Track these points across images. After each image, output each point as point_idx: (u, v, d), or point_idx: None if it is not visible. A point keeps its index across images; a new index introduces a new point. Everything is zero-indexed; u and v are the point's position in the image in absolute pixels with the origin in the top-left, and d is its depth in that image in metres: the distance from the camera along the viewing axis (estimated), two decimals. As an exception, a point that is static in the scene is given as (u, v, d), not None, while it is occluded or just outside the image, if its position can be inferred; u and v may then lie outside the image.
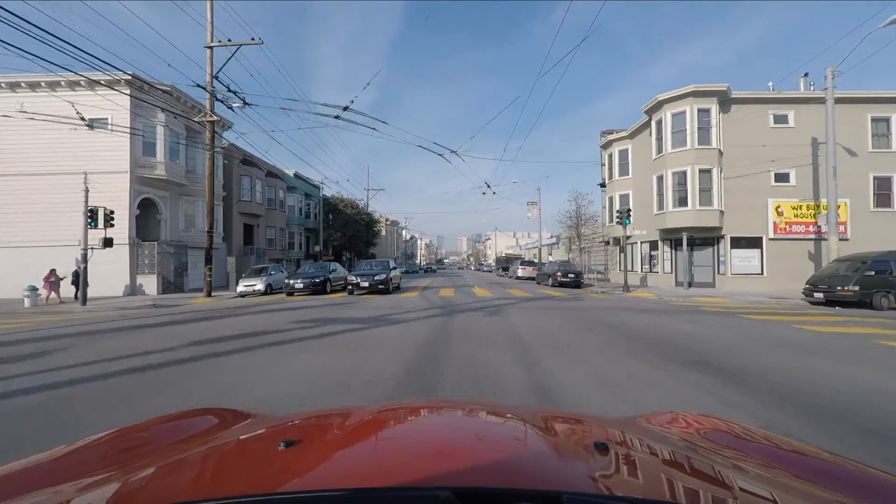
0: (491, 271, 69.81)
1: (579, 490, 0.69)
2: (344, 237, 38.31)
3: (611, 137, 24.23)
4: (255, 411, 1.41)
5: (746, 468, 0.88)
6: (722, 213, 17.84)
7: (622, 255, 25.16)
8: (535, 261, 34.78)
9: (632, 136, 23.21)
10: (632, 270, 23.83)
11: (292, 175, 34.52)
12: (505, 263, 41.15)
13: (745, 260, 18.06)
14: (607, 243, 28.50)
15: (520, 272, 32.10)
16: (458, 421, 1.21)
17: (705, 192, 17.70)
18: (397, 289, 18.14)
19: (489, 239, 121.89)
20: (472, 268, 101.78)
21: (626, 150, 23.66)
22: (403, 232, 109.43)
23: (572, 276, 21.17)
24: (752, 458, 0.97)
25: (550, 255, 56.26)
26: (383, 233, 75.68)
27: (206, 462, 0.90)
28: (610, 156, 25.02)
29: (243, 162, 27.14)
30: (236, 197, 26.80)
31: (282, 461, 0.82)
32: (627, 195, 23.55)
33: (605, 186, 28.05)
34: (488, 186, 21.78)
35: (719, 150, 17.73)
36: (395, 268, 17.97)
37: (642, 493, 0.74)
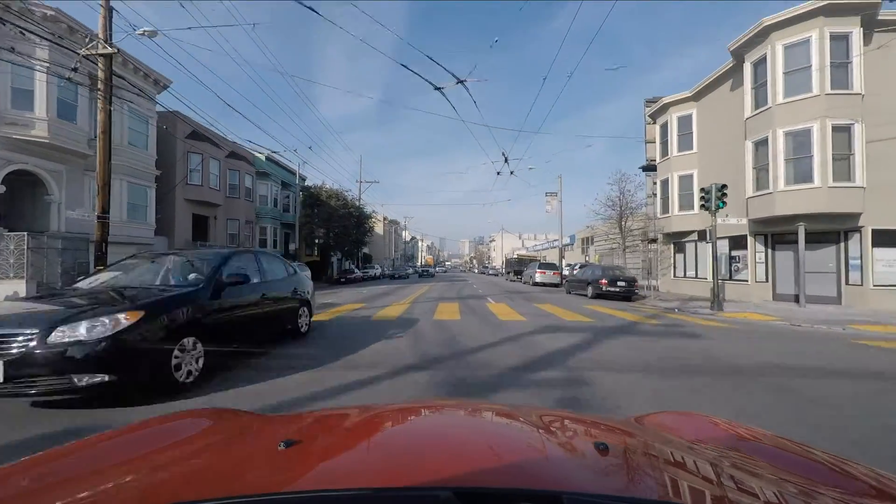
0: (497, 275, 63.65)
1: (579, 490, 0.68)
2: (328, 234, 32.48)
3: (666, 101, 18.33)
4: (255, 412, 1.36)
5: (747, 468, 0.88)
6: (863, 191, 11.91)
7: (679, 255, 19.23)
8: (554, 263, 28.84)
9: (698, 96, 17.32)
10: (693, 277, 17.90)
11: (264, 159, 28.77)
12: (517, 266, 35.11)
13: (891, 265, 12.12)
14: (651, 241, 22.53)
15: (538, 277, 26.16)
16: (458, 421, 1.21)
17: (841, 161, 11.77)
18: (298, 335, 6.67)
19: (493, 240, 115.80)
20: (476, 270, 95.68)
21: (689, 117, 17.76)
22: (404, 233, 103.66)
23: (623, 284, 15.25)
24: (752, 458, 0.95)
25: (563, 257, 50.20)
26: (378, 230, 69.90)
27: (206, 462, 0.90)
28: (663, 126, 19.12)
29: (192, 136, 21.39)
30: (181, 178, 21.03)
31: (282, 461, 0.81)
32: (690, 176, 17.64)
33: (652, 170, 22.16)
34: (505, 160, 15.92)
35: (862, 95, 11.80)
36: (237, 276, 5.01)
37: (642, 493, 0.72)
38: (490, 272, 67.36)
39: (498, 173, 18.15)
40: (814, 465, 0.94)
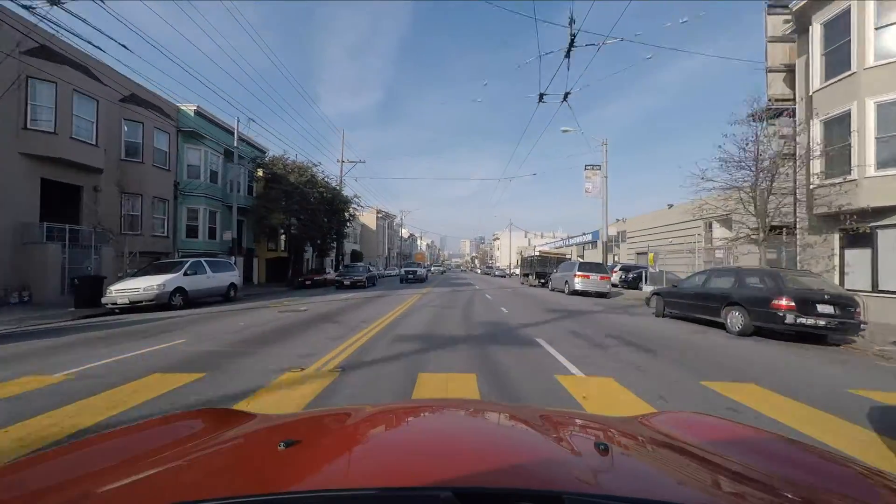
0: (504, 276, 55.12)
1: (579, 490, 0.67)
2: (289, 221, 24.31)
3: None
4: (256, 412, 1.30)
5: (747, 468, 0.86)
6: None
7: (854, 251, 10.90)
8: (600, 263, 20.50)
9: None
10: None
11: (191, 113, 20.49)
12: (540, 267, 26.63)
13: None
14: (777, 230, 14.20)
15: (578, 283, 17.98)
16: (458, 421, 1.19)
17: None
18: None
19: (497, 239, 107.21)
20: (478, 271, 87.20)
21: (906, -9, 9.45)
22: (402, 231, 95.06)
23: (832, 310, 6.98)
24: (753, 457, 0.93)
25: (581, 257, 41.69)
26: (370, 224, 61.73)
27: (206, 462, 0.89)
28: (830, 24, 10.79)
29: (36, 53, 13.17)
30: (13, 118, 12.82)
31: (282, 461, 0.80)
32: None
33: (776, 116, 13.80)
34: (570, 41, 7.66)
35: None
36: None
37: (642, 493, 0.71)
38: (496, 273, 59.07)
39: (541, 98, 9.87)
40: (815, 464, 0.94)
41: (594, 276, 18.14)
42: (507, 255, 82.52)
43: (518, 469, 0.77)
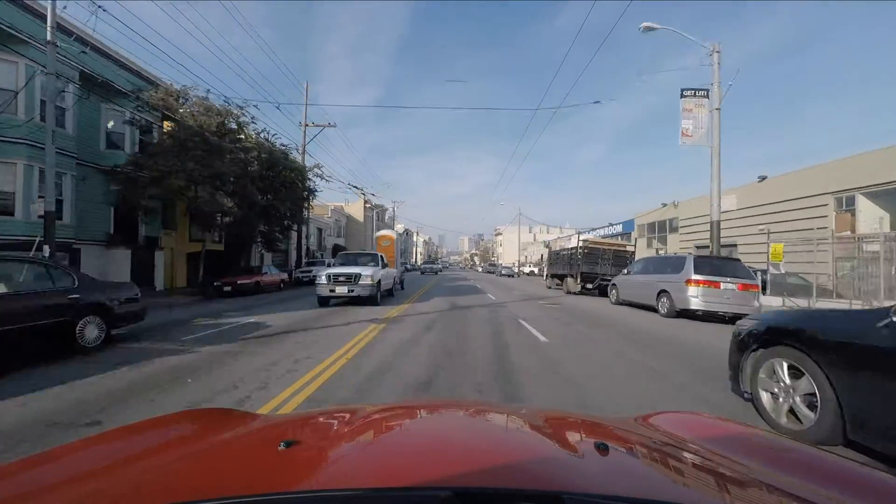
0: (512, 275, 46.11)
1: (579, 490, 0.66)
2: (194, 190, 15.31)
3: None
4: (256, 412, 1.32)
5: (746, 467, 0.86)
6: None
7: None
8: (738, 259, 11.56)
9: None
10: None
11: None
12: (587, 266, 17.32)
13: None
14: None
15: (693, 297, 9.46)
16: (458, 421, 1.19)
17: None
18: None
19: (500, 234, 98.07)
20: (479, 269, 78.24)
21: None
22: (398, 225, 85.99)
23: None
24: (752, 457, 0.93)
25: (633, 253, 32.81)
26: (356, 215, 52.69)
27: (207, 462, 0.89)
28: None
29: None
30: None
31: (282, 461, 0.80)
32: None
33: None
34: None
35: None
36: None
37: (642, 493, 0.71)
38: (502, 272, 50.13)
39: None
40: (813, 464, 0.93)
41: (729, 286, 9.29)
42: (513, 251, 73.56)
43: (518, 469, 0.76)
